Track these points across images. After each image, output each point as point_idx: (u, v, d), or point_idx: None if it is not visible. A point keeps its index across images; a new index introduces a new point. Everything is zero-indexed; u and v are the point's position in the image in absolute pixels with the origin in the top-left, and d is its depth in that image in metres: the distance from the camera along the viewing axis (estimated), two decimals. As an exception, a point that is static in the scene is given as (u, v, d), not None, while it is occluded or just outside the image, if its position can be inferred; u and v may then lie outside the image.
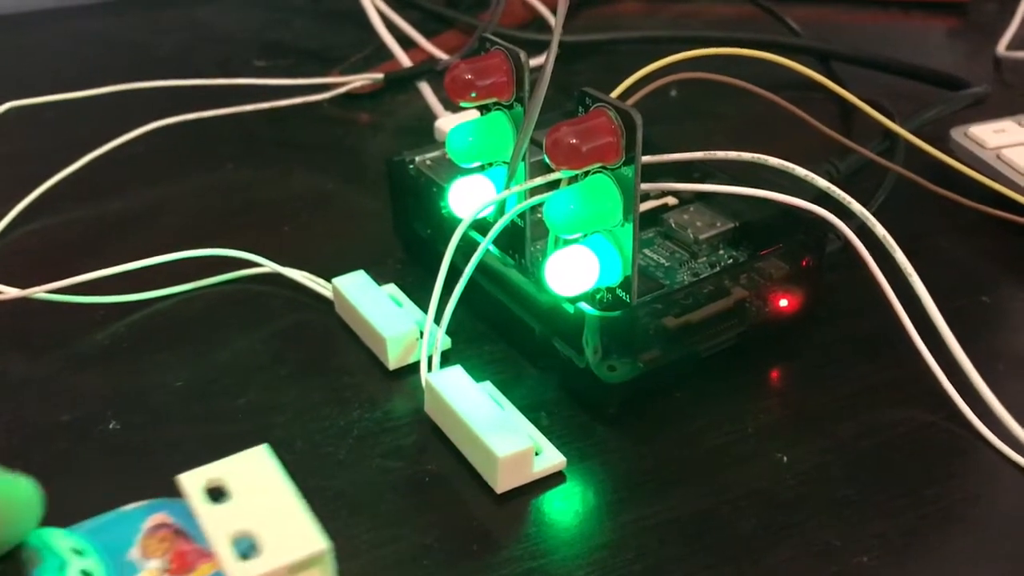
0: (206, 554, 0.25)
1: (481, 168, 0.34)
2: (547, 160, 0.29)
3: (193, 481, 0.26)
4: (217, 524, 0.25)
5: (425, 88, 0.50)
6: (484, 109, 0.33)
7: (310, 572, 0.25)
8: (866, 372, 0.34)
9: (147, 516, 0.26)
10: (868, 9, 0.67)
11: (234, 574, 0.24)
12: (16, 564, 0.23)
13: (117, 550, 0.25)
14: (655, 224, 0.37)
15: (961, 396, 0.31)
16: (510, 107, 0.32)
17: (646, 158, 0.29)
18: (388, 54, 0.53)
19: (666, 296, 0.32)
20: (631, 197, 0.29)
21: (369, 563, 0.27)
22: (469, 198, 0.34)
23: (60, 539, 0.24)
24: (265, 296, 0.38)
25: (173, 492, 0.26)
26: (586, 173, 0.30)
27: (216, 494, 0.26)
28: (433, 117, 0.47)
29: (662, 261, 0.35)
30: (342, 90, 0.51)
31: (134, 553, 0.25)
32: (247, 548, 0.24)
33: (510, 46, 0.32)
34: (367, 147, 0.49)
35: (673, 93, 0.50)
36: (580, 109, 0.29)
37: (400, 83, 0.52)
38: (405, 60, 0.52)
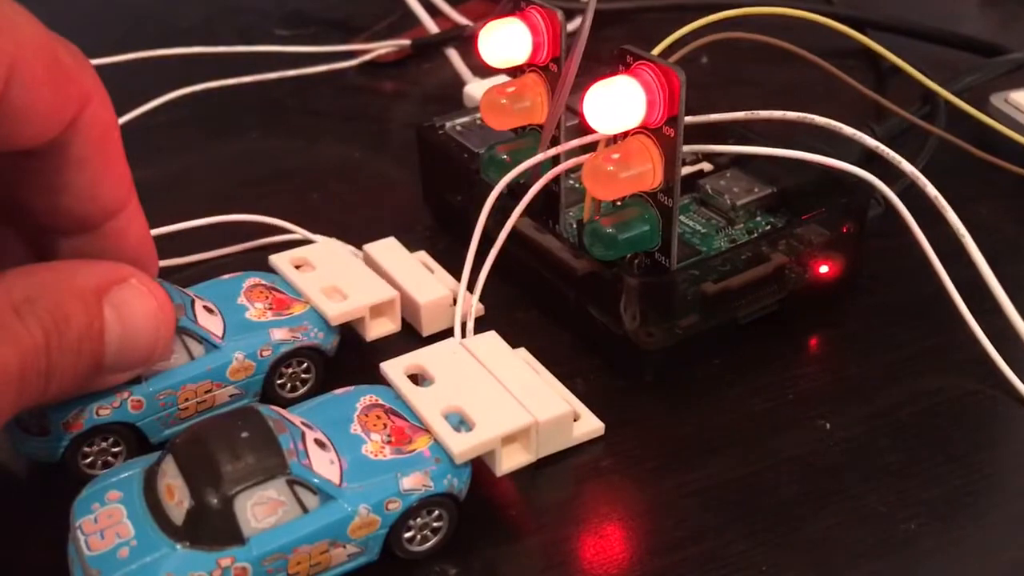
0: (420, 430, 0.27)
1: (516, 132, 0.34)
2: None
3: (395, 368, 0.29)
4: (427, 403, 0.27)
5: (453, 54, 0.50)
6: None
7: (516, 444, 0.27)
8: (908, 339, 0.33)
9: (359, 398, 0.28)
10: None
11: (454, 444, 0.26)
12: (267, 431, 0.25)
13: (338, 425, 0.27)
14: (691, 190, 0.36)
15: (1008, 364, 0.31)
16: (544, 68, 0.32)
17: (687, 119, 0.29)
18: (412, 22, 0.52)
19: (705, 262, 0.31)
20: (673, 158, 0.28)
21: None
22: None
23: (290, 414, 0.26)
24: (296, 263, 0.37)
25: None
26: (626, 134, 0.29)
27: (415, 381, 0.28)
28: (461, 83, 0.47)
29: (699, 228, 0.35)
30: (367, 57, 0.50)
31: (355, 428, 0.26)
32: (458, 423, 0.27)
33: (547, 4, 0.31)
34: (393, 115, 0.49)
35: (704, 60, 0.49)
36: (620, 67, 0.29)
37: (426, 50, 0.51)
38: (432, 26, 0.51)
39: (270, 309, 0.31)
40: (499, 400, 0.27)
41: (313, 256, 0.34)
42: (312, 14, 0.58)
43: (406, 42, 0.50)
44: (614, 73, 0.28)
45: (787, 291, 0.33)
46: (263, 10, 0.59)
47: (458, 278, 0.32)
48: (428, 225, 0.39)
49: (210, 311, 0.30)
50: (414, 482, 0.25)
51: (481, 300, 0.33)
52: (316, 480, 0.24)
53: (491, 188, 0.32)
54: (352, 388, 0.28)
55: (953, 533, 0.27)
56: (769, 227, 0.34)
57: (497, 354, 0.30)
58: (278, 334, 0.30)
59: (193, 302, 0.30)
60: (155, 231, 0.36)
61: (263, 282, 0.32)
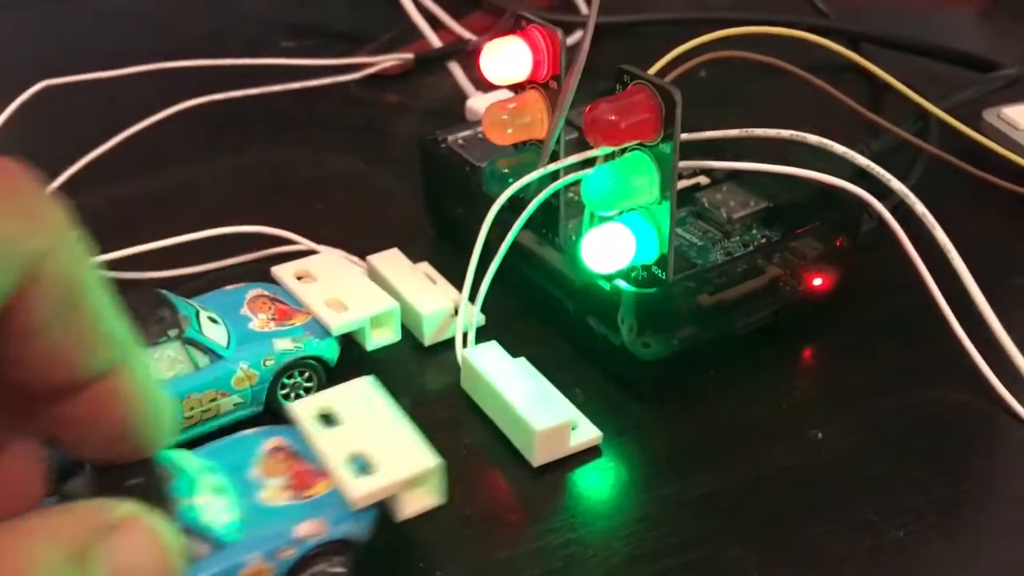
0: (322, 474, 0.26)
1: (516, 147, 0.34)
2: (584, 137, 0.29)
3: (304, 408, 0.28)
4: (331, 446, 0.26)
5: (455, 68, 0.50)
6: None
7: (421, 489, 0.26)
8: (900, 352, 0.34)
9: (264, 439, 0.27)
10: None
11: (352, 489, 0.25)
12: (153, 479, 0.23)
13: (238, 469, 0.26)
14: (688, 203, 0.37)
15: (997, 376, 0.31)
16: (544, 85, 0.33)
17: (683, 136, 0.29)
18: (415, 36, 0.53)
19: (701, 274, 0.32)
20: (669, 174, 0.29)
21: (406, 533, 0.28)
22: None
23: (188, 459, 0.25)
24: (300, 273, 0.38)
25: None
26: (623, 150, 0.30)
27: (326, 421, 0.27)
28: (463, 97, 0.47)
29: (695, 240, 0.35)
30: (371, 70, 0.51)
31: (255, 472, 0.26)
32: (361, 467, 0.26)
33: (547, 24, 0.32)
34: (396, 128, 0.50)
35: (702, 74, 0.50)
36: (618, 86, 0.30)
37: (429, 63, 0.52)
38: (435, 40, 0.52)
39: (273, 320, 0.32)
40: (405, 443, 0.26)
41: (315, 267, 0.34)
42: (316, 27, 0.59)
43: (409, 56, 0.51)
44: (606, 93, 0.29)
45: (781, 303, 0.33)
46: (268, 23, 0.60)
47: (460, 289, 0.33)
48: (429, 237, 0.40)
49: (214, 321, 0.31)
50: (309, 529, 0.25)
51: (482, 311, 0.34)
52: (206, 528, 0.24)
53: (492, 201, 0.32)
54: (260, 429, 0.28)
55: (943, 542, 0.27)
56: (764, 240, 0.35)
57: (498, 363, 0.31)
58: (281, 344, 0.31)
59: (198, 313, 0.30)
60: (161, 243, 0.36)
61: (266, 293, 0.33)
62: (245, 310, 0.32)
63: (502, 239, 0.32)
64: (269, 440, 0.27)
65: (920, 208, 0.31)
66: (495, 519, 0.28)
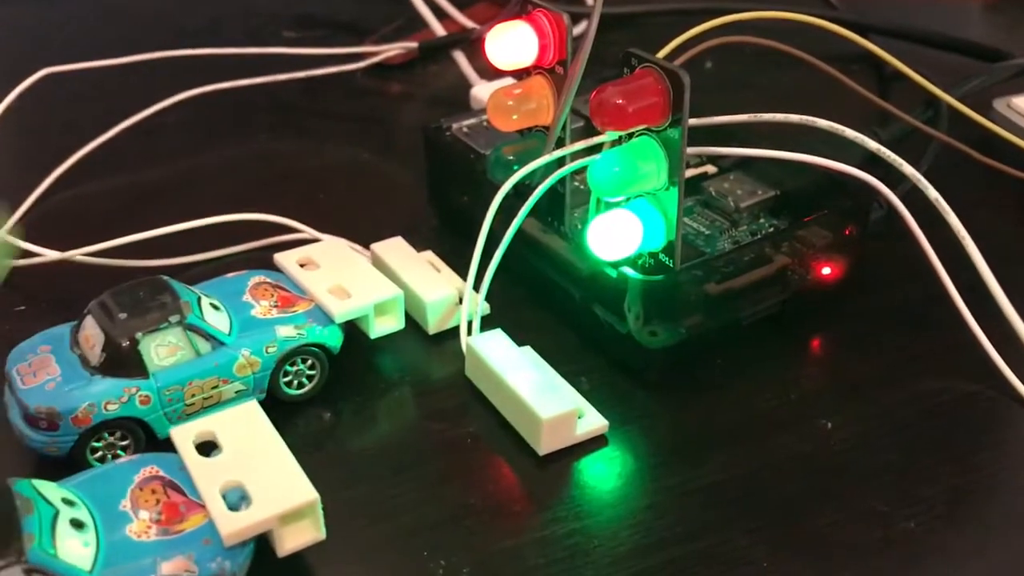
0: (197, 505, 0.25)
1: (522, 133, 0.34)
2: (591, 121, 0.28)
3: (183, 434, 0.26)
4: (207, 476, 0.25)
5: (460, 57, 0.50)
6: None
7: (300, 523, 0.25)
8: (908, 341, 0.33)
9: (138, 469, 0.26)
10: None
11: (224, 524, 0.24)
12: (8, 512, 0.23)
13: (108, 502, 0.25)
14: (695, 192, 0.36)
15: (1008, 365, 0.31)
16: (550, 70, 0.32)
17: (691, 121, 0.29)
18: (419, 25, 0.53)
19: (708, 262, 0.32)
20: (677, 159, 0.29)
21: (412, 521, 0.27)
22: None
23: (51, 490, 0.24)
24: (303, 261, 0.38)
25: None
26: (630, 136, 0.30)
27: (207, 448, 0.26)
28: (467, 86, 0.47)
29: (702, 229, 0.35)
30: (375, 60, 0.51)
31: (125, 504, 0.25)
32: (238, 500, 0.25)
33: (554, 9, 0.31)
34: (400, 117, 0.49)
35: (708, 64, 0.49)
36: (625, 70, 0.29)
37: (433, 52, 0.51)
38: (439, 29, 0.52)
39: (275, 307, 0.31)
40: (285, 474, 0.25)
41: (318, 255, 0.34)
42: (320, 17, 0.59)
43: (413, 45, 0.51)
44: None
45: (789, 292, 0.33)
46: (272, 12, 0.60)
47: (464, 277, 0.33)
48: (433, 226, 0.40)
49: (216, 308, 0.31)
50: (175, 567, 0.23)
51: (487, 299, 0.33)
52: (59, 568, 0.23)
53: (497, 189, 0.32)
54: (136, 456, 0.27)
55: (953, 531, 0.27)
56: (772, 229, 0.34)
57: (503, 351, 0.31)
58: (283, 331, 0.31)
59: (199, 299, 0.30)
60: (165, 230, 0.36)
61: (268, 280, 0.33)
62: (247, 297, 0.32)
63: (507, 227, 0.32)
64: (145, 469, 0.26)
65: (933, 193, 0.30)
66: (500, 508, 0.28)
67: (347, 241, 0.37)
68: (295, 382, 0.31)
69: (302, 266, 0.34)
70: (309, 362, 0.31)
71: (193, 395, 0.29)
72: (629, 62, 0.29)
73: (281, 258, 0.34)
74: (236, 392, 0.30)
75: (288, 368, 0.31)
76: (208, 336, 0.29)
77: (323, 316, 0.31)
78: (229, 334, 0.30)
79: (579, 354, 0.33)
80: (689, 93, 0.28)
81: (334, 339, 0.31)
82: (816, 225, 0.33)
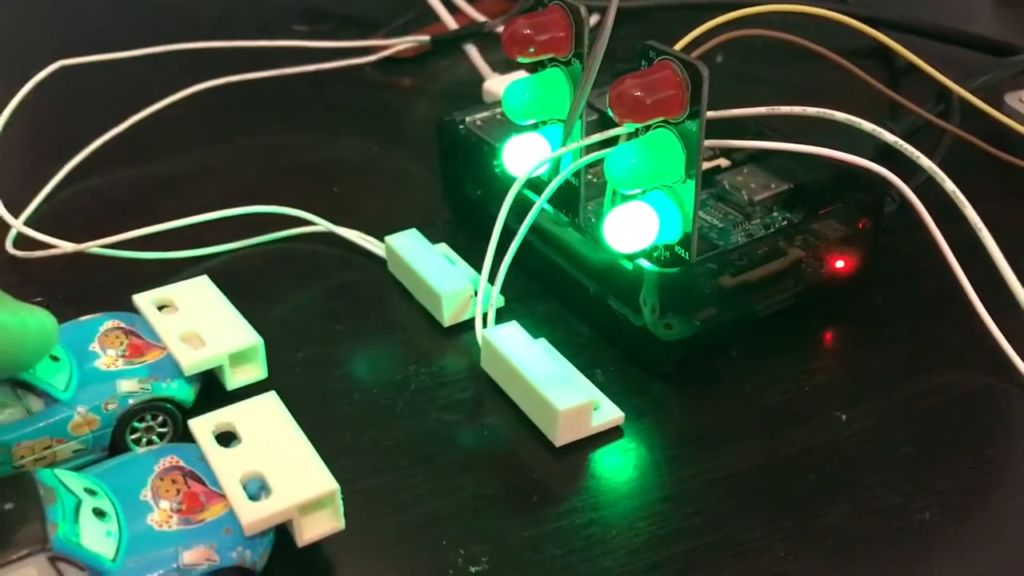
0: (217, 495, 0.25)
1: (535, 126, 0.34)
2: (610, 113, 0.29)
3: (202, 425, 0.26)
4: (227, 466, 0.25)
5: (472, 50, 0.50)
6: (539, 66, 0.33)
7: (320, 513, 0.25)
8: (923, 333, 0.33)
9: (158, 459, 0.26)
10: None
11: (244, 513, 0.24)
12: (32, 502, 0.23)
13: (129, 491, 0.25)
14: (708, 186, 0.36)
15: (1021, 358, 0.31)
16: (567, 63, 0.32)
17: (709, 113, 0.29)
18: (430, 18, 0.53)
19: (723, 255, 0.32)
20: (694, 152, 0.29)
21: (429, 512, 0.27)
22: (524, 156, 0.34)
23: (73, 480, 0.25)
24: (318, 254, 0.38)
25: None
26: (647, 128, 0.30)
27: (226, 439, 0.26)
28: (479, 79, 0.47)
29: (716, 223, 0.35)
30: (386, 53, 0.51)
31: (146, 494, 0.25)
32: (257, 489, 0.25)
33: (570, 0, 0.31)
34: (412, 110, 0.49)
35: (720, 59, 0.49)
36: (643, 63, 0.29)
37: (444, 46, 0.51)
38: (451, 22, 0.52)
39: (122, 356, 0.29)
40: (304, 464, 0.25)
41: (179, 297, 0.31)
42: (330, 10, 0.59)
43: (425, 38, 0.51)
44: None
45: (803, 285, 0.33)
46: (282, 5, 0.60)
47: (479, 270, 0.33)
48: (447, 219, 0.40)
49: (55, 360, 0.28)
50: (196, 556, 0.24)
51: (502, 292, 0.33)
52: (84, 556, 0.23)
53: (511, 182, 0.32)
54: (156, 447, 0.27)
55: (967, 523, 0.27)
56: (786, 222, 0.35)
57: (518, 344, 0.31)
58: (125, 385, 0.28)
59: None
60: (182, 222, 0.36)
61: (123, 325, 0.30)
62: (95, 345, 0.29)
63: (521, 220, 0.32)
64: (164, 460, 0.26)
65: (950, 185, 0.30)
66: (517, 498, 0.28)
67: (360, 233, 0.37)
68: (144, 440, 0.29)
69: (161, 308, 0.31)
70: (160, 419, 0.29)
71: (23, 456, 0.27)
72: (647, 55, 0.29)
73: (139, 299, 0.31)
74: (74, 452, 0.28)
75: (136, 424, 0.28)
76: (40, 392, 0.27)
77: (173, 368, 0.29)
78: (65, 389, 0.27)
79: (594, 347, 0.33)
80: (707, 85, 0.28)
81: (184, 393, 0.29)
82: (830, 219, 0.33)
